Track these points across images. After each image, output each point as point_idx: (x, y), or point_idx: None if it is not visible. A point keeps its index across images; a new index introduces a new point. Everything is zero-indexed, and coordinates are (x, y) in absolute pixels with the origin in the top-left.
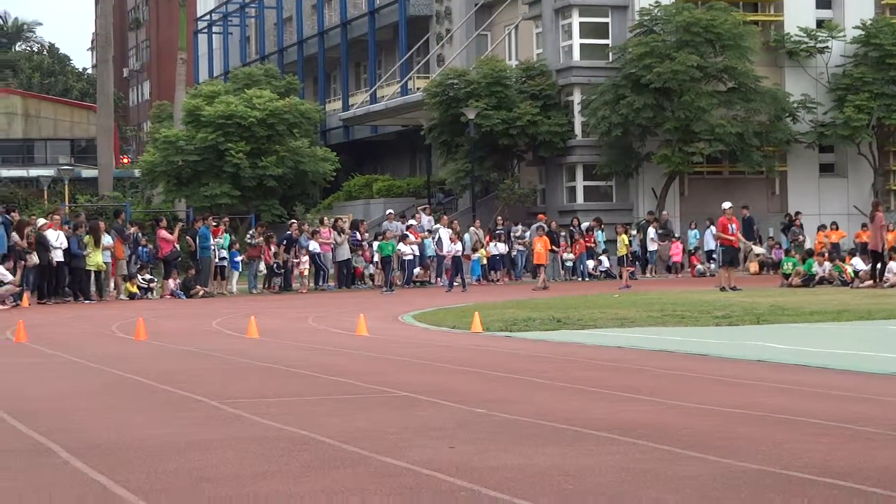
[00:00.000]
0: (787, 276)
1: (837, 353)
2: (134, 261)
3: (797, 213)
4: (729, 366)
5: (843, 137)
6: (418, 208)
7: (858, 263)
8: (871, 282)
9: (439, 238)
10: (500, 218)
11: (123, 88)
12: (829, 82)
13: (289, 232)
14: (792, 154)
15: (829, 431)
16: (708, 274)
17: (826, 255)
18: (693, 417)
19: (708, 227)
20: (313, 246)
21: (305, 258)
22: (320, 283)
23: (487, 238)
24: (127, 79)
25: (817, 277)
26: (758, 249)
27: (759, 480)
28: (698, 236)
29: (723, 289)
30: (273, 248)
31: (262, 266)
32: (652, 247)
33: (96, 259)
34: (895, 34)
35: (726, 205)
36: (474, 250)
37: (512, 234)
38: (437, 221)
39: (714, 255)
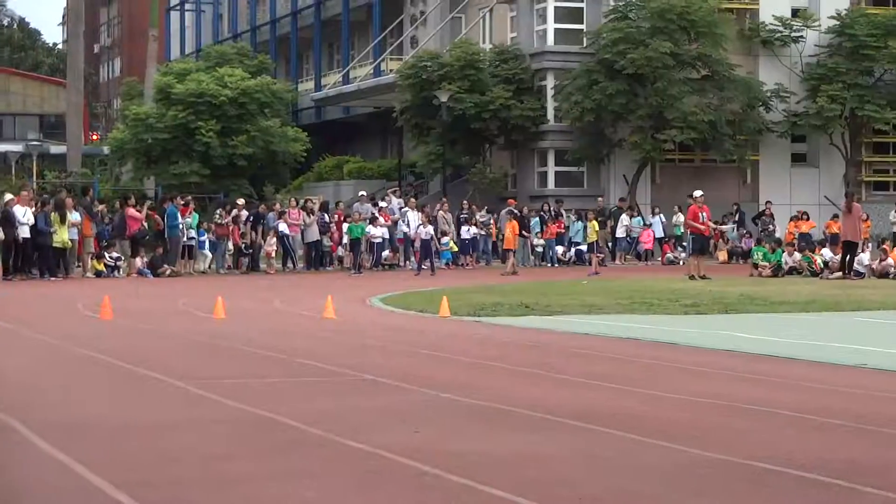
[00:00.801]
0: (756, 265)
1: (805, 344)
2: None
3: (768, 203)
4: (696, 355)
5: (816, 127)
6: (388, 191)
7: (828, 254)
8: (840, 272)
9: (408, 220)
10: (465, 203)
11: (94, 64)
12: (802, 72)
13: (255, 210)
14: (764, 143)
15: (795, 422)
16: (679, 262)
17: (796, 245)
18: (659, 406)
19: (676, 213)
20: (282, 227)
21: (273, 239)
22: (288, 265)
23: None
24: (98, 55)
25: (787, 267)
26: (724, 227)
27: (723, 470)
28: (663, 220)
29: (692, 277)
30: (241, 228)
31: (230, 245)
32: (620, 233)
33: (62, 236)
34: (870, 25)
35: (697, 193)
36: (444, 234)
37: (477, 218)
38: (406, 204)
39: (684, 243)
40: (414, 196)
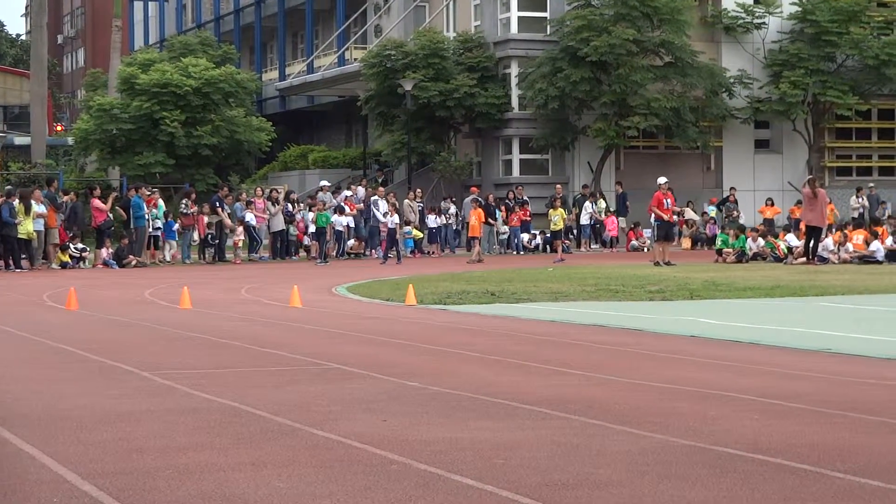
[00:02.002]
0: (719, 252)
1: (770, 329)
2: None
3: (732, 189)
4: (662, 341)
5: (779, 113)
6: (352, 185)
7: (792, 240)
8: (804, 258)
9: (380, 209)
10: (419, 191)
11: (58, 55)
12: (765, 58)
13: (216, 196)
14: (727, 129)
15: (761, 407)
16: (644, 249)
17: (759, 231)
18: (625, 392)
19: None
20: (248, 217)
21: (240, 229)
22: (254, 254)
23: (429, 210)
24: (61, 45)
25: (751, 253)
26: (689, 214)
27: (689, 456)
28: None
29: (657, 263)
30: (206, 219)
31: (195, 235)
32: (584, 220)
33: (27, 227)
34: (831, 11)
35: (661, 180)
36: (407, 223)
37: (443, 206)
38: (374, 192)
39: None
40: (383, 183)
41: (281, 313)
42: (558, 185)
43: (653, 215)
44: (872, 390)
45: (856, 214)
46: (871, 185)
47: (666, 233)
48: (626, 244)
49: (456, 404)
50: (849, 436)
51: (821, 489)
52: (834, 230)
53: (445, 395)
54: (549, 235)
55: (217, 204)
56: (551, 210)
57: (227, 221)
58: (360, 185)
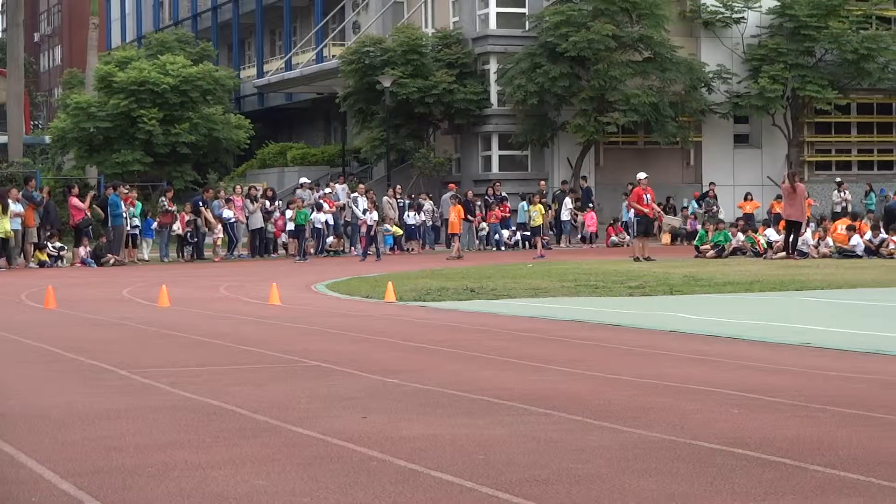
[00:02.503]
0: (698, 249)
1: (749, 324)
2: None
3: (711, 184)
4: (642, 336)
5: (758, 108)
6: (331, 180)
7: (771, 234)
8: (783, 253)
9: (360, 206)
10: (398, 188)
11: (34, 53)
12: (744, 53)
13: (198, 196)
14: (707, 124)
15: (740, 402)
16: (624, 245)
17: (739, 225)
18: (605, 388)
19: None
20: (227, 214)
21: (219, 227)
22: (233, 252)
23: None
24: (38, 44)
25: (730, 248)
26: (672, 220)
27: (669, 450)
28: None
29: (637, 259)
30: (186, 217)
31: (176, 226)
32: (564, 216)
33: (4, 226)
34: (810, 5)
35: (641, 175)
36: (383, 221)
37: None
38: (353, 190)
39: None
40: (359, 182)
41: (260, 311)
42: (542, 182)
43: (632, 210)
44: (852, 384)
45: (839, 209)
46: (861, 180)
47: (646, 228)
48: (606, 240)
49: (435, 401)
50: (828, 429)
51: (801, 483)
52: (814, 225)
53: (425, 392)
54: (528, 232)
55: (200, 204)
56: (530, 206)
57: (212, 220)
58: (338, 182)
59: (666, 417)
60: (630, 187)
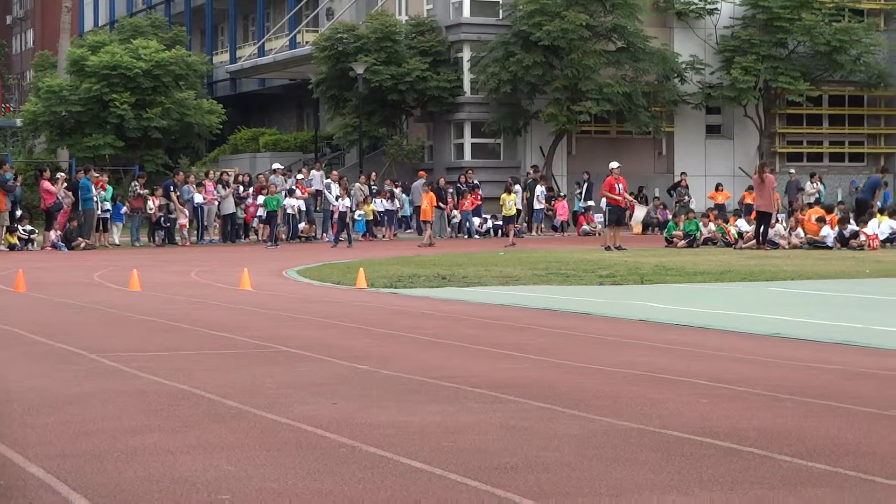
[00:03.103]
0: (669, 240)
1: (719, 314)
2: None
3: (683, 174)
4: (612, 325)
5: (730, 99)
6: (306, 168)
7: (742, 224)
8: (754, 243)
9: (333, 192)
10: (374, 174)
11: (6, 36)
12: (717, 44)
13: (169, 180)
14: (679, 115)
15: (709, 391)
16: (596, 234)
17: (710, 215)
18: (575, 376)
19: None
20: (197, 199)
21: (185, 211)
22: (203, 238)
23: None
24: (10, 26)
25: (701, 238)
26: (638, 212)
27: (638, 439)
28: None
29: (608, 248)
30: (158, 202)
31: (150, 207)
32: (538, 205)
33: None
34: None
35: (613, 164)
36: (359, 206)
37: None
38: (327, 176)
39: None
40: (331, 168)
41: (231, 296)
42: (529, 170)
43: (604, 200)
44: (821, 374)
45: (812, 200)
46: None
47: (618, 217)
48: (578, 229)
49: (405, 388)
50: (796, 420)
51: (768, 472)
52: (782, 216)
53: (395, 379)
54: (500, 221)
55: (171, 188)
56: (504, 195)
57: (178, 206)
58: (314, 168)
59: (635, 406)
60: (586, 176)
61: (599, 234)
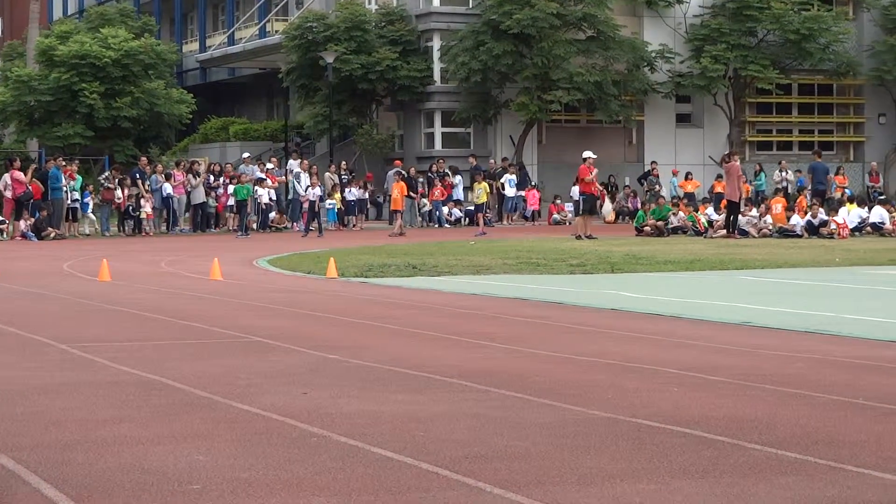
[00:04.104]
0: (638, 229)
1: (689, 303)
2: None
3: (653, 163)
4: (583, 314)
5: (700, 87)
6: (273, 155)
7: (712, 213)
8: (724, 231)
9: (301, 182)
10: (344, 164)
11: None
12: (686, 33)
13: (137, 166)
14: (649, 104)
15: (680, 380)
16: (566, 223)
17: (680, 204)
18: (546, 365)
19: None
20: (166, 189)
21: (149, 200)
22: (172, 228)
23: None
24: None
25: (671, 227)
26: (606, 208)
27: (609, 428)
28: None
29: (579, 237)
30: (126, 191)
31: (118, 195)
32: (509, 193)
33: None
34: None
35: (587, 153)
36: (329, 195)
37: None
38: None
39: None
40: (299, 157)
41: (201, 286)
42: (492, 161)
43: (577, 188)
44: (790, 363)
45: (780, 187)
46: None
47: (591, 206)
48: (548, 218)
49: (376, 377)
50: (767, 408)
51: (738, 461)
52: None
53: (366, 368)
54: (471, 209)
55: (137, 176)
56: (475, 183)
57: (145, 193)
58: (293, 157)
59: (606, 395)
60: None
61: (570, 224)
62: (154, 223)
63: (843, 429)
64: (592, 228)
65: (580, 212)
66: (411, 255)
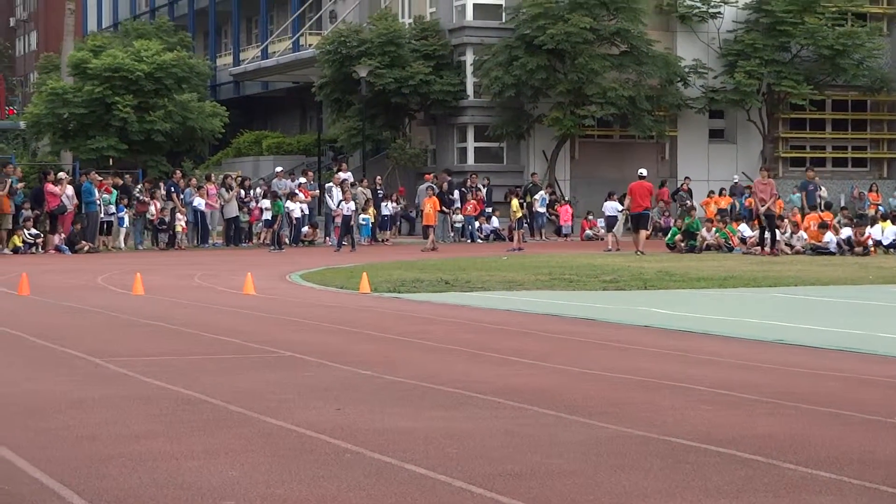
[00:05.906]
0: (669, 246)
1: (722, 320)
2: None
3: (686, 179)
4: (615, 331)
5: (733, 103)
6: (306, 170)
7: (745, 230)
8: (758, 248)
9: (333, 196)
10: (379, 178)
11: (10, 38)
12: (720, 48)
13: (171, 180)
14: (682, 119)
15: (713, 398)
16: (600, 239)
17: (714, 220)
18: (579, 382)
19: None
20: (198, 202)
21: (183, 215)
22: (205, 242)
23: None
24: (14, 28)
25: (703, 244)
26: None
27: (642, 446)
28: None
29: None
30: (160, 204)
31: (151, 210)
32: (541, 210)
33: None
34: (786, 1)
35: (643, 171)
36: (363, 210)
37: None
38: (329, 179)
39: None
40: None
41: (234, 300)
42: (534, 174)
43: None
44: (824, 381)
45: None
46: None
47: (638, 223)
48: (581, 234)
49: (409, 393)
50: (801, 427)
51: (773, 480)
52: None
53: (399, 384)
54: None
55: (172, 189)
56: (513, 199)
57: (179, 206)
58: (341, 169)
59: (639, 413)
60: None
61: (602, 240)
62: (188, 237)
63: (878, 448)
64: (622, 244)
65: (632, 229)
66: (444, 270)
